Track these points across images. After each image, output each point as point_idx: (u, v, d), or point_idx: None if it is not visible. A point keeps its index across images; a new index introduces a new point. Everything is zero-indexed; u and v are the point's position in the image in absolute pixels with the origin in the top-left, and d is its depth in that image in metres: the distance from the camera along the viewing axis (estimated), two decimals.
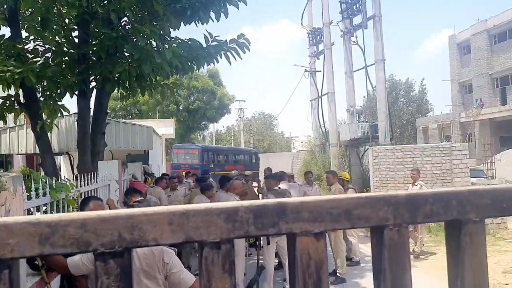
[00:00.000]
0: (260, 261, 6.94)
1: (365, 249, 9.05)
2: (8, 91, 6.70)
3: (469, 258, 0.75)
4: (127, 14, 6.41)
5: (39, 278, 2.92)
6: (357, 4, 16.59)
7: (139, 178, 9.06)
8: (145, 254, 2.72)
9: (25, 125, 12.35)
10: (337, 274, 6.98)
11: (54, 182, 3.66)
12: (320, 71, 20.46)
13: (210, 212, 0.66)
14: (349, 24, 17.51)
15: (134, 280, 0.58)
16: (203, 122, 33.30)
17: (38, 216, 0.61)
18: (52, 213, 3.57)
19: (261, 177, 12.22)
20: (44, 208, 3.53)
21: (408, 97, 41.93)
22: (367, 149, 15.90)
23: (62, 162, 14.96)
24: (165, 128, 17.75)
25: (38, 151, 8.07)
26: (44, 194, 3.40)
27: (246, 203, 0.68)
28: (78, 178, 4.96)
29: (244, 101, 42.30)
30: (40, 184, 3.37)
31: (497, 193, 0.76)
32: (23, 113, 7.46)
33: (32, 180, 3.18)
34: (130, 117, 28.08)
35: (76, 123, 7.93)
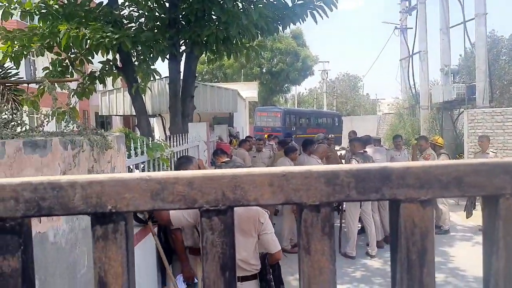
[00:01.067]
0: (342, 224, 6.93)
1: (455, 217, 8.61)
2: (106, 56, 7.19)
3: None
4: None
5: (139, 230, 3.19)
6: None
7: (225, 139, 9.38)
8: (241, 214, 2.86)
9: (122, 88, 13.28)
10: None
11: (150, 142, 3.92)
12: (412, 28, 19.11)
13: (310, 175, 0.65)
14: None
15: None
16: (286, 85, 33.12)
17: (149, 173, 0.65)
18: (149, 170, 3.85)
19: (344, 141, 11.96)
20: (142, 166, 3.81)
21: (511, 55, 37.72)
22: (462, 112, 14.76)
23: (155, 123, 15.94)
24: (249, 91, 17.97)
25: (134, 113, 8.66)
26: (142, 153, 3.66)
27: (347, 167, 0.66)
28: (171, 138, 5.26)
29: (328, 62, 41.12)
30: (138, 144, 3.63)
31: None
32: (120, 77, 8.00)
33: (131, 140, 3.43)
34: (216, 80, 28.84)
35: (167, 86, 8.32)
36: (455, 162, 0.67)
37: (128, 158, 3.35)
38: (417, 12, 17.92)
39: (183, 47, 7.35)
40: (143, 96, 7.55)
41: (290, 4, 6.69)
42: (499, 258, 0.68)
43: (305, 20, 6.92)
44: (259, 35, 7.03)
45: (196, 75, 8.65)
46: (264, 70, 31.11)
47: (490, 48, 35.16)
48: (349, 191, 0.65)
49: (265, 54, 28.73)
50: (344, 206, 6.85)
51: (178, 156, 5.02)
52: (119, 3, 7.27)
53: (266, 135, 12.52)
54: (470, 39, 15.50)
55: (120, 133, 2.29)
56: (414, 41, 18.28)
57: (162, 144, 4.11)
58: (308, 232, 0.66)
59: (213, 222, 0.65)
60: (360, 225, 7.13)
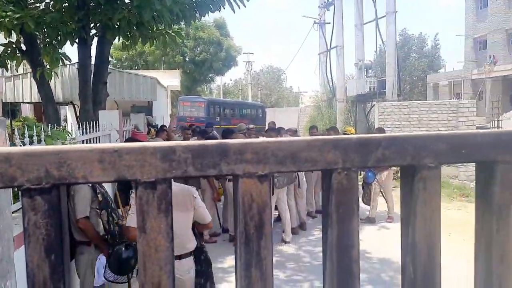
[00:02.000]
0: (275, 213, 7.06)
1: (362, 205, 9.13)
2: (9, 38, 6.61)
3: (422, 206, 0.73)
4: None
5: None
6: None
7: (141, 129, 9.09)
8: (177, 192, 3.10)
9: (29, 73, 12.31)
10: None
11: (49, 129, 3.67)
12: (330, 23, 19.88)
13: (145, 151, 0.63)
14: None
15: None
16: (210, 75, 32.87)
17: None
18: None
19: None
20: None
21: (421, 52, 40.87)
22: (374, 105, 15.73)
23: (68, 112, 15.01)
24: (171, 79, 17.56)
25: None
26: (39, 141, 3.42)
27: (184, 143, 0.65)
28: (81, 127, 4.97)
29: (252, 53, 41.50)
30: (34, 131, 3.37)
31: (455, 138, 0.73)
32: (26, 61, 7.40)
33: (26, 127, 3.18)
34: (136, 68, 27.76)
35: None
36: (291, 139, 0.69)
37: (22, 145, 3.11)
38: (334, 7, 18.67)
39: (93, 31, 6.97)
40: (53, 82, 7.06)
41: None
42: (333, 230, 0.71)
43: (223, 8, 6.89)
44: (175, 21, 6.88)
45: (114, 61, 8.27)
46: (187, 59, 30.57)
47: (402, 45, 37.76)
48: (186, 167, 0.64)
49: (188, 42, 28.23)
50: (274, 192, 6.99)
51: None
52: None
53: (188, 125, 12.34)
54: (381, 36, 16.51)
55: (1, 117, 2.10)
56: (332, 36, 19.05)
57: (64, 131, 3.87)
58: (144, 210, 0.64)
59: (35, 202, 0.60)
60: (276, 213, 7.32)
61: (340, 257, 0.71)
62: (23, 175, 0.59)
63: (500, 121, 21.65)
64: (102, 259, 3.37)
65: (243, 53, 39.34)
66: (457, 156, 0.73)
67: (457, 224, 7.27)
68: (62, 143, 3.79)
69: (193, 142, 0.66)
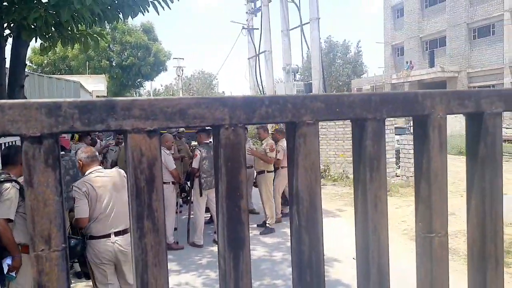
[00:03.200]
0: (191, 216, 7.02)
1: None
2: None
3: (302, 159, 0.80)
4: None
5: None
6: None
7: (65, 135, 8.67)
8: (114, 174, 3.84)
9: None
10: (267, 225, 7.25)
11: None
12: (258, 28, 20.28)
13: (29, 106, 0.64)
14: None
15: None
16: (138, 80, 32.05)
17: None
18: None
19: None
20: None
21: (345, 58, 43.03)
22: None
23: None
24: (96, 84, 16.89)
25: None
26: None
27: (70, 99, 0.67)
28: None
29: (183, 59, 40.95)
30: None
31: (331, 98, 0.81)
32: None
33: None
34: (58, 73, 26.31)
35: None
36: (181, 97, 0.73)
37: None
38: (261, 13, 19.09)
39: (7, 31, 6.54)
40: None
41: None
42: (223, 182, 0.77)
43: (147, 11, 6.79)
44: (97, 22, 6.65)
45: (35, 66, 7.80)
46: (114, 64, 29.57)
47: (328, 52, 39.49)
48: (73, 122, 0.66)
49: (114, 47, 27.31)
50: (192, 197, 6.97)
51: None
52: None
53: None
54: (307, 41, 17.13)
55: None
56: (260, 41, 19.44)
57: None
58: (31, 165, 0.65)
59: None
60: (209, 215, 7.33)
61: (230, 207, 0.76)
62: None
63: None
64: (7, 260, 3.23)
65: (173, 58, 38.86)
66: (333, 114, 0.81)
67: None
68: None
69: (79, 99, 0.68)
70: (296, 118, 0.79)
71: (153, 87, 46.94)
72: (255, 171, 7.67)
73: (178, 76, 45.55)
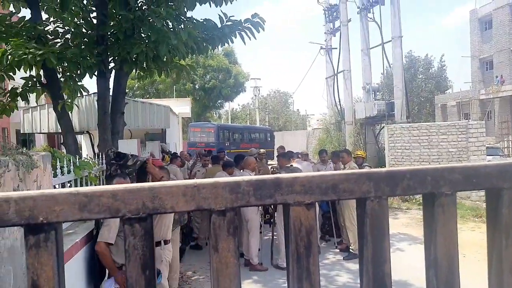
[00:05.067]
0: (274, 237, 7.14)
1: None
2: (30, 72, 6.91)
3: (441, 227, 0.87)
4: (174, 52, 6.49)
5: (71, 246, 3.13)
6: None
7: (156, 156, 9.29)
8: None
9: (46, 104, 12.68)
10: (350, 250, 7.15)
11: (77, 160, 3.86)
12: (336, 48, 20.28)
13: (217, 185, 0.79)
14: (366, 0, 17.23)
15: None
16: (219, 101, 33.45)
17: (77, 188, 0.75)
18: None
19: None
20: (68, 184, 3.74)
21: (427, 74, 41.13)
22: (383, 127, 15.85)
23: (82, 140, 15.33)
24: (182, 107, 17.96)
25: (59, 130, 8.32)
26: (69, 172, 3.60)
27: (247, 178, 0.81)
28: (99, 156, 5.17)
29: (260, 79, 42.10)
30: (65, 162, 3.57)
31: (468, 169, 0.87)
32: (44, 93, 7.69)
33: (57, 159, 3.37)
34: (147, 96, 28.37)
35: (96, 102, 8.13)
36: (332, 172, 0.84)
37: (54, 177, 3.29)
38: (340, 33, 19.07)
39: (112, 64, 7.26)
40: (70, 113, 7.32)
41: (219, 25, 6.89)
42: (368, 248, 0.86)
43: (233, 42, 7.16)
44: (189, 54, 7.15)
45: (127, 90, 8.55)
46: (197, 87, 31.19)
47: (408, 67, 38.10)
48: (249, 197, 0.80)
49: (197, 71, 28.82)
50: (275, 218, 7.09)
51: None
52: (44, 18, 7.04)
53: (205, 151, 12.48)
54: (388, 60, 16.78)
55: (46, 152, 2.28)
56: (339, 61, 19.38)
57: (90, 162, 4.06)
58: (217, 233, 0.79)
59: (134, 229, 0.76)
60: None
61: (375, 271, 0.85)
62: (125, 207, 0.75)
63: (510, 141, 21.57)
64: (108, 282, 3.53)
65: (251, 79, 39.99)
66: (470, 184, 0.87)
67: (471, 245, 7.28)
68: (89, 173, 3.97)
69: (254, 177, 0.81)
70: (435, 189, 0.86)
71: (231, 107, 48.57)
72: None
73: (255, 95, 46.70)
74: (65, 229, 3.61)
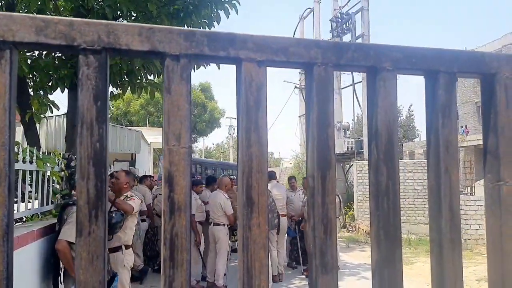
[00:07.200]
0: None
1: (345, 257, 9.22)
2: None
3: (382, 100, 0.93)
4: (122, 11, 6.59)
5: (23, 234, 3.02)
6: (347, 23, 17.11)
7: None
8: None
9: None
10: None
11: (41, 154, 3.78)
12: None
13: (172, 31, 0.83)
14: None
15: None
16: (193, 135, 33.44)
17: (35, 15, 0.77)
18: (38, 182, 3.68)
19: None
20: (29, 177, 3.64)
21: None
22: (352, 164, 16.14)
23: None
24: (155, 136, 17.84)
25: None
26: (31, 162, 3.52)
27: (202, 30, 0.85)
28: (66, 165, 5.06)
29: (235, 118, 42.57)
30: (27, 154, 3.49)
31: (407, 50, 0.95)
32: None
33: (21, 151, 3.31)
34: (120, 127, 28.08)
35: (65, 124, 8.00)
36: (285, 37, 0.90)
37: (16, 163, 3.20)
38: None
39: None
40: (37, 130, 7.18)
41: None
42: (313, 112, 0.90)
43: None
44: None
45: None
46: None
47: None
48: (203, 47, 0.84)
49: None
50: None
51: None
52: None
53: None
54: (359, 100, 17.35)
55: None
56: None
57: (53, 158, 3.97)
58: (170, 77, 0.83)
59: (89, 60, 0.78)
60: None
61: (320, 133, 0.89)
62: (81, 37, 0.78)
63: (473, 187, 22.26)
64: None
65: (226, 117, 40.39)
66: (409, 63, 0.94)
67: None
68: (52, 168, 3.88)
69: (207, 30, 0.86)
70: (377, 64, 0.93)
71: (205, 144, 48.52)
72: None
73: (230, 134, 46.97)
74: (23, 222, 3.49)
